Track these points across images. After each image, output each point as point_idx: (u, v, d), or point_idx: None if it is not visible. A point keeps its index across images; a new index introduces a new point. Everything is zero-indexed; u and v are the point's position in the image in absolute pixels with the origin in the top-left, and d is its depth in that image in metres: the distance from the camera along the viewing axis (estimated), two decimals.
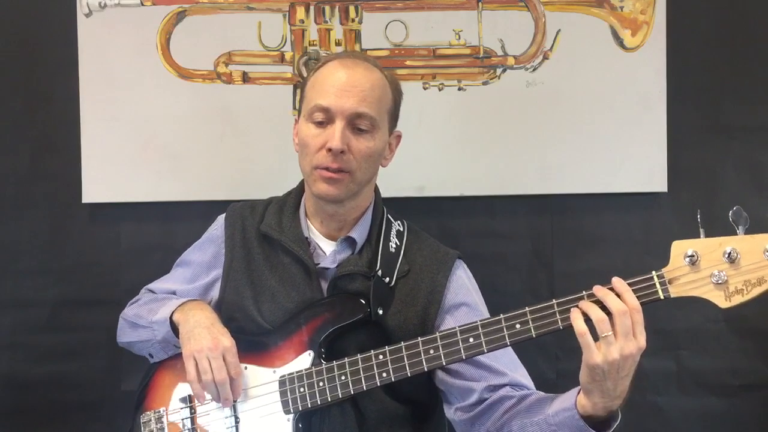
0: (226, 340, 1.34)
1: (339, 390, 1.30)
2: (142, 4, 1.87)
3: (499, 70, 1.89)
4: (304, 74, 1.87)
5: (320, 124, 1.36)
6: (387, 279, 1.38)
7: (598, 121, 1.88)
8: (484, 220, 1.93)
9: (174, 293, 1.54)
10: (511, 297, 1.90)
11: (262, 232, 1.46)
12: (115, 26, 1.87)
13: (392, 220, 1.48)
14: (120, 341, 1.57)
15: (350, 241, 1.44)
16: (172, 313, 1.42)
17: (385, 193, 1.86)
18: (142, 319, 1.48)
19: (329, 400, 1.30)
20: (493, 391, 1.34)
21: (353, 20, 1.88)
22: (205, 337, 1.34)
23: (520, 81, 1.88)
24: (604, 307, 1.13)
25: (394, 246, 1.43)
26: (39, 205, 1.92)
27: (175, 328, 1.41)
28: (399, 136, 1.48)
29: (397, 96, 1.43)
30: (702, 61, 1.90)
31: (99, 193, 1.89)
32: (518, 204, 1.91)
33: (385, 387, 1.32)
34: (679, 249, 1.14)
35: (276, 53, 1.88)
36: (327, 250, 1.44)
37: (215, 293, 1.50)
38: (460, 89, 1.89)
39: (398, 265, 1.41)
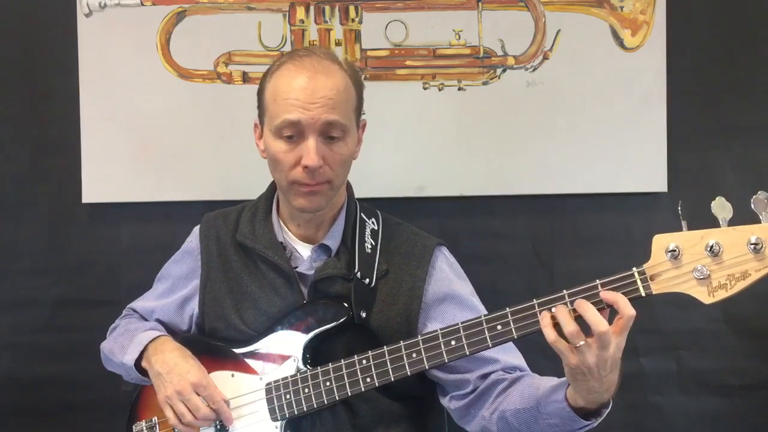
0: (192, 376, 1.34)
1: (324, 396, 1.29)
2: (142, 4, 1.87)
3: (499, 70, 1.88)
4: None
5: (290, 138, 1.31)
6: (367, 280, 1.36)
7: (598, 121, 1.88)
8: (484, 220, 1.92)
9: (153, 311, 1.54)
10: (511, 297, 1.87)
11: (238, 241, 1.45)
12: (115, 26, 1.87)
13: (366, 218, 1.45)
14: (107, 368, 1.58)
15: (325, 248, 1.42)
16: (138, 360, 1.42)
17: (385, 193, 1.86)
18: (115, 356, 1.48)
19: (315, 406, 1.30)
20: (486, 377, 1.34)
21: (353, 20, 1.88)
22: (171, 381, 1.34)
23: (520, 81, 1.88)
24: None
25: (369, 246, 1.41)
26: (39, 205, 1.92)
27: (144, 372, 1.42)
28: (365, 124, 1.43)
29: (359, 89, 1.37)
30: (702, 61, 1.90)
31: (99, 193, 1.89)
32: (518, 204, 1.91)
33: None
34: (661, 243, 1.09)
35: (276, 53, 1.88)
36: (303, 253, 1.42)
37: (195, 306, 1.49)
38: (460, 89, 1.88)
39: (376, 265, 1.38)
